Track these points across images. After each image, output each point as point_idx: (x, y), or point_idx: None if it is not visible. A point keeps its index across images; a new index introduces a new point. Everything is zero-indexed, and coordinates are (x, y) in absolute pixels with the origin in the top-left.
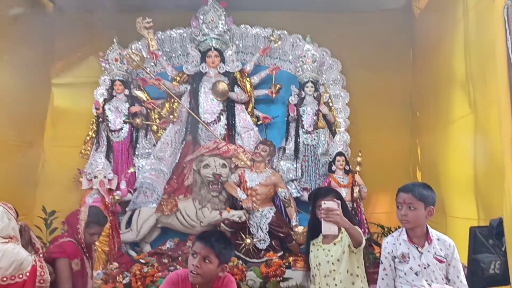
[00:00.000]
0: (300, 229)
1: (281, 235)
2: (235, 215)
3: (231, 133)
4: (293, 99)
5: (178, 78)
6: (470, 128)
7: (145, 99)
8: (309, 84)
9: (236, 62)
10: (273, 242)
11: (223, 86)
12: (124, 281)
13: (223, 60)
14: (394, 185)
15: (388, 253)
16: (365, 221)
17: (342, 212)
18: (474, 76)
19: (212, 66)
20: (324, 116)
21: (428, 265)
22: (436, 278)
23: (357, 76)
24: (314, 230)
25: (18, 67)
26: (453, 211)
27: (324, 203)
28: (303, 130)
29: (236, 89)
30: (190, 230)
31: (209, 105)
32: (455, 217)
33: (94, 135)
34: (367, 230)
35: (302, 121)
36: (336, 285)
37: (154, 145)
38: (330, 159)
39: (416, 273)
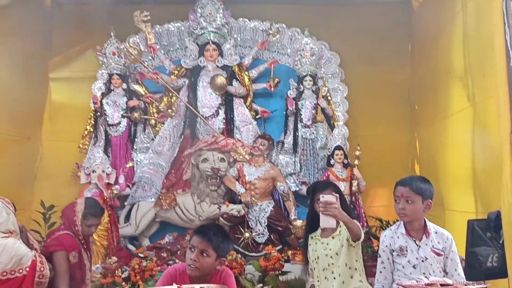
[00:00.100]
0: (298, 223)
1: (280, 229)
2: (234, 209)
3: (229, 127)
4: (292, 93)
5: (176, 72)
6: (469, 122)
7: (143, 93)
8: (308, 78)
9: (234, 55)
10: (271, 236)
11: (221, 80)
12: (123, 275)
13: (221, 54)
14: (393, 179)
15: (386, 246)
16: (363, 215)
17: (340, 206)
18: (473, 69)
19: (210, 59)
20: (323, 110)
21: (426, 258)
22: (434, 271)
23: (356, 70)
24: (312, 223)
25: (15, 61)
26: (451, 204)
27: (323, 197)
28: (302, 124)
29: (235, 83)
30: (189, 224)
31: (208, 99)
32: (453, 210)
33: (92, 130)
34: (365, 224)
35: (300, 115)
36: (334, 278)
37: (153, 139)
38: (329, 153)
39: (414, 266)
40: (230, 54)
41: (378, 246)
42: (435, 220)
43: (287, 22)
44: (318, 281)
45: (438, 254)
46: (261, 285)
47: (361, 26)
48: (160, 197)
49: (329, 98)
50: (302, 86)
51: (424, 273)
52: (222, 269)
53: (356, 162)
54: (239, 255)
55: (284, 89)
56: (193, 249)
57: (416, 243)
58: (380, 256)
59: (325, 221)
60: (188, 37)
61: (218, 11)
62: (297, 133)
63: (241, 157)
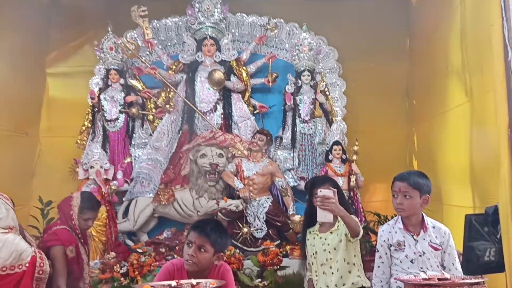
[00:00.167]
0: (297, 218)
1: (278, 224)
2: (232, 204)
3: (227, 122)
4: (290, 88)
5: (174, 67)
6: (467, 117)
7: (140, 89)
8: (306, 73)
9: (232, 50)
10: (270, 231)
11: (219, 75)
12: (121, 271)
13: (219, 49)
14: (391, 174)
15: (384, 241)
16: (361, 210)
17: (338, 201)
18: (471, 64)
19: (208, 55)
20: (321, 105)
21: (424, 253)
22: (431, 266)
23: (354, 65)
24: (310, 218)
25: (12, 57)
26: (449, 199)
27: (320, 191)
28: (300, 119)
29: (232, 78)
30: (187, 220)
31: (205, 94)
32: (451, 205)
33: (89, 125)
34: (363, 219)
35: (299, 110)
36: (332, 273)
37: (151, 134)
38: (327, 148)
39: (411, 261)
40: (228, 49)
41: (376, 241)
42: (433, 215)
43: (285, 17)
44: (317, 276)
45: (436, 249)
46: (259, 280)
47: (359, 21)
48: (159, 193)
49: (327, 93)
50: (300, 81)
51: (421, 268)
52: (220, 264)
53: (354, 157)
54: (238, 250)
55: (282, 84)
56: (190, 245)
57: (413, 238)
58: (378, 251)
59: (322, 215)
60: (186, 32)
61: (216, 6)
62: (295, 128)
63: (239, 152)
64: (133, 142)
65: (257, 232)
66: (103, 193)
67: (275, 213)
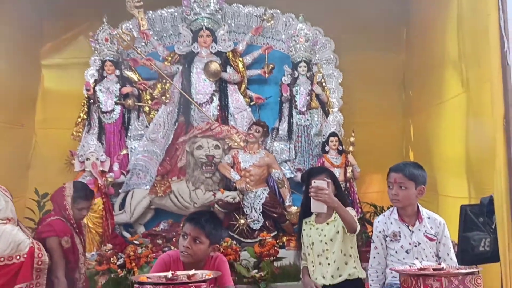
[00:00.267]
0: (293, 209)
1: (275, 215)
2: (229, 196)
3: (224, 114)
4: (286, 79)
5: (170, 58)
6: (463, 108)
7: (136, 80)
8: (302, 64)
9: (228, 41)
10: (266, 223)
11: (215, 66)
12: (118, 262)
13: (215, 40)
14: (387, 165)
15: (380, 232)
16: (358, 201)
17: (334, 192)
18: (467, 55)
19: (204, 46)
20: (317, 96)
21: (419, 243)
22: (426, 256)
23: (350, 56)
24: (306, 209)
25: (7, 49)
26: (444, 190)
27: (314, 182)
28: (297, 110)
29: (229, 69)
30: (184, 212)
31: (202, 86)
32: (447, 195)
33: (85, 117)
34: (360, 210)
35: (295, 101)
36: (329, 264)
37: (147, 126)
38: (323, 140)
39: (407, 251)
40: (224, 40)
41: (372, 232)
42: (428, 206)
43: (282, 7)
44: (313, 266)
45: (431, 239)
46: (256, 271)
47: (356, 12)
48: (155, 184)
49: (323, 84)
50: (296, 72)
51: (417, 258)
52: (216, 256)
53: (350, 148)
54: (234, 242)
55: (279, 75)
56: (185, 236)
57: (409, 229)
58: (373, 241)
59: (316, 206)
60: (182, 23)
61: None
62: (291, 120)
63: (235, 144)
64: (129, 134)
65: (254, 224)
66: (100, 185)
67: (271, 204)
